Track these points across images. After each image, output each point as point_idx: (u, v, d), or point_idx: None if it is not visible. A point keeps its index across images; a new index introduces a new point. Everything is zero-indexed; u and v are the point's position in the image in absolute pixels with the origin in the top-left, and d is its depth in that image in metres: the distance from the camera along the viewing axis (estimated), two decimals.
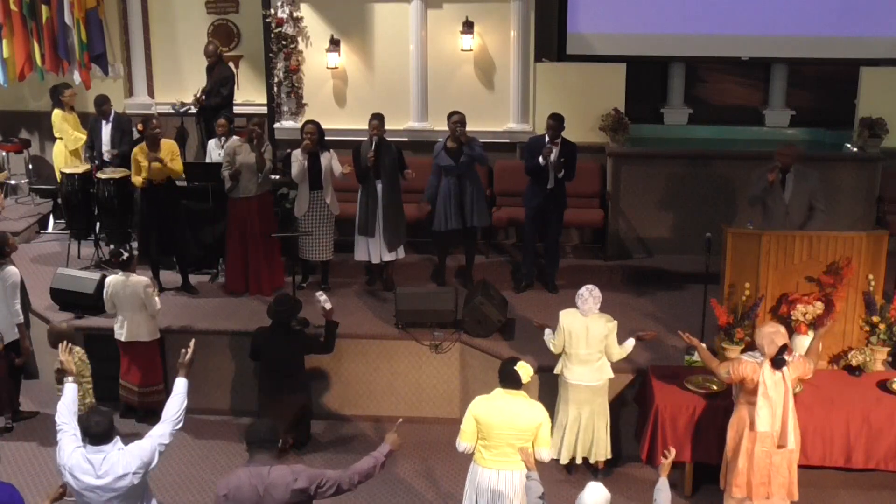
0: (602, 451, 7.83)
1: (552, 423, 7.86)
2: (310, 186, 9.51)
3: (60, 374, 6.83)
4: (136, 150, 9.55)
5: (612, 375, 7.78)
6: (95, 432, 5.37)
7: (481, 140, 9.70)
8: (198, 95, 11.22)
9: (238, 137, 9.71)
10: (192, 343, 6.09)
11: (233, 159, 9.49)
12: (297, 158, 9.44)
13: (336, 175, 9.51)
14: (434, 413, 8.87)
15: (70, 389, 5.77)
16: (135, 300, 8.42)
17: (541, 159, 9.32)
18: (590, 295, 7.60)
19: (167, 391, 8.49)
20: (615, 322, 7.68)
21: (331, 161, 9.49)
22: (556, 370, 7.82)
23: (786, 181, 8.64)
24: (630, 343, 7.73)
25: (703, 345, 7.24)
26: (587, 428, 7.75)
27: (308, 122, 9.65)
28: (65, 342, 6.46)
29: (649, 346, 8.36)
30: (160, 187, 9.56)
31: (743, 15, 10.79)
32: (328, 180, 9.53)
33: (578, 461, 7.88)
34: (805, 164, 8.87)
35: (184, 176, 9.97)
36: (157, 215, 9.60)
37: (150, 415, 8.50)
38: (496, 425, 6.18)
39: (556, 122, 9.38)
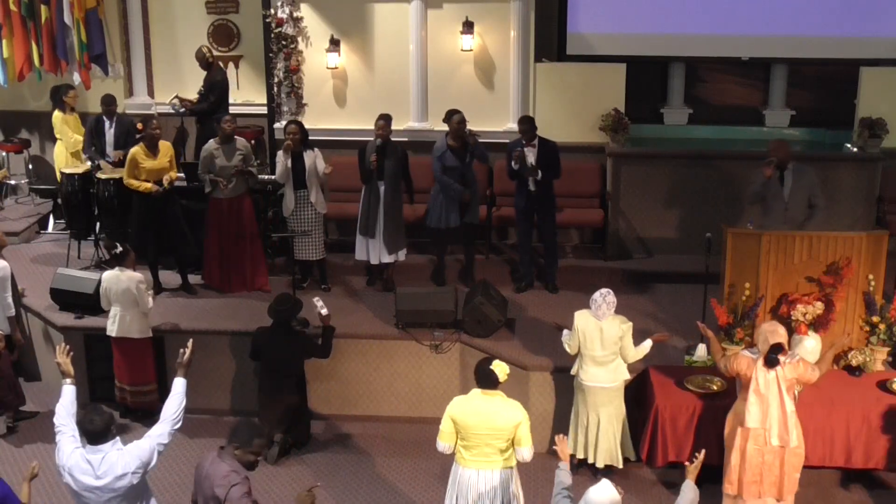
0: (614, 456, 7.80)
1: (571, 424, 7.88)
2: (294, 186, 9.50)
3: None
4: (134, 150, 9.51)
5: (628, 377, 7.77)
6: (90, 430, 5.38)
7: (482, 139, 9.68)
8: (175, 101, 11.19)
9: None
10: (190, 343, 6.08)
11: (211, 162, 9.49)
12: (280, 159, 9.46)
13: (319, 174, 9.51)
14: (434, 413, 8.78)
15: (68, 391, 5.76)
16: (127, 296, 8.41)
17: (512, 164, 9.32)
18: (603, 300, 7.56)
19: (160, 391, 8.52)
20: (630, 323, 7.65)
21: (315, 160, 9.47)
22: (573, 371, 7.80)
23: (784, 178, 8.64)
24: (647, 344, 7.71)
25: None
26: (606, 433, 7.70)
27: (290, 122, 9.66)
28: (62, 344, 6.44)
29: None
30: None
31: (743, 15, 10.78)
32: (312, 180, 9.51)
33: (593, 461, 7.80)
34: (801, 162, 8.87)
35: (183, 175, 9.97)
36: (153, 215, 9.58)
37: (146, 415, 8.50)
38: (473, 426, 6.18)
39: (525, 125, 9.36)
